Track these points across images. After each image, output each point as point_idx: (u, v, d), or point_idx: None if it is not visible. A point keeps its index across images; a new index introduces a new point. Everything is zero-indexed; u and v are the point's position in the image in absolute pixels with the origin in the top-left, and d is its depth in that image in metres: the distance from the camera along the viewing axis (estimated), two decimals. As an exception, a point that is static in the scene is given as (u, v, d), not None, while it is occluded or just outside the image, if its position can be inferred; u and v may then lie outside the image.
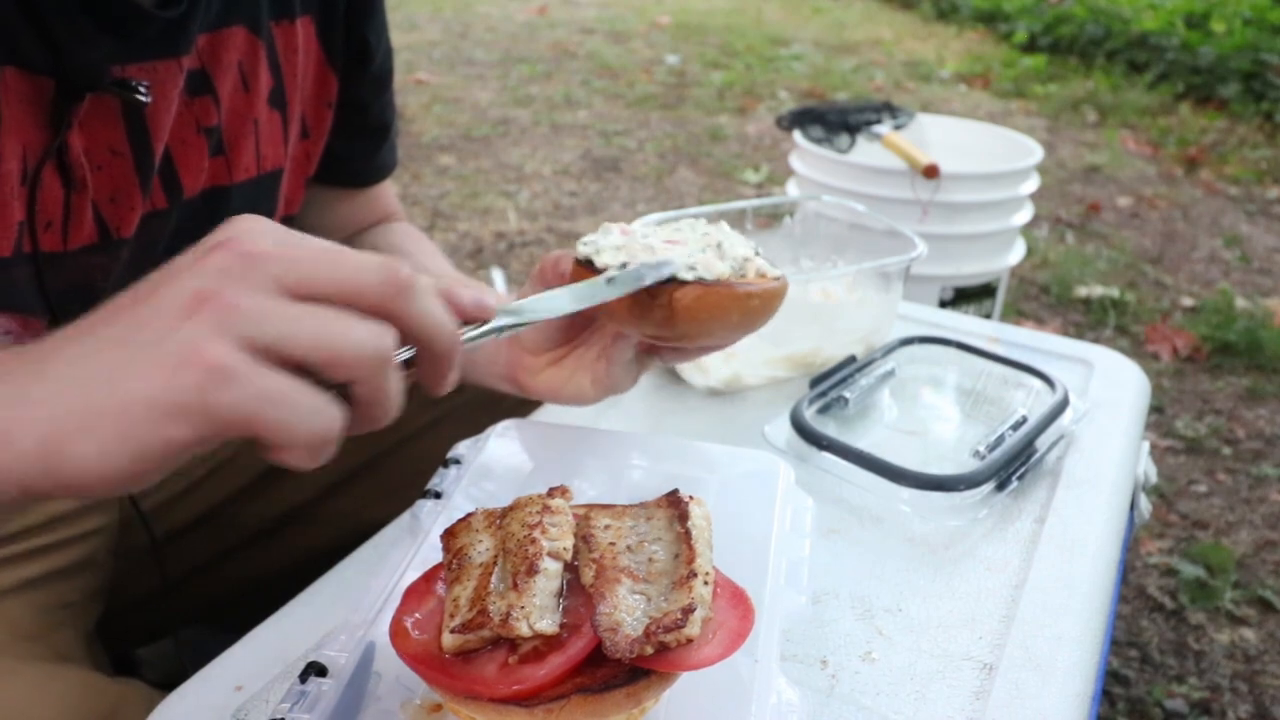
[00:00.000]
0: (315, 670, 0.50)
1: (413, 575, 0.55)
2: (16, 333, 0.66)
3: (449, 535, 0.54)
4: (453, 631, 0.47)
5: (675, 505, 0.53)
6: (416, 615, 0.51)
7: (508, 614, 0.46)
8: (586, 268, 0.60)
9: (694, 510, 0.53)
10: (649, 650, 0.46)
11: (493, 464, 0.68)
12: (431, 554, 0.56)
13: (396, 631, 0.50)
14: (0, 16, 0.57)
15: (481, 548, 0.51)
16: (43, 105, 0.60)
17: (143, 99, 0.63)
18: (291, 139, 0.79)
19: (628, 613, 0.47)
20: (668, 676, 0.48)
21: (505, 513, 0.53)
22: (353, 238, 0.92)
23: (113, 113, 0.64)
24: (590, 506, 0.55)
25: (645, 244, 0.61)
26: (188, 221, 0.72)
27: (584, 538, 0.52)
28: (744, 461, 0.68)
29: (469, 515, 0.54)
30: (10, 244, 0.61)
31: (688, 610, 0.46)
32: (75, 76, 0.60)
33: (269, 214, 0.79)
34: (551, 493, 0.54)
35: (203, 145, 0.71)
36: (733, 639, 0.48)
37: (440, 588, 0.52)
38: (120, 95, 0.62)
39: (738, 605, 0.51)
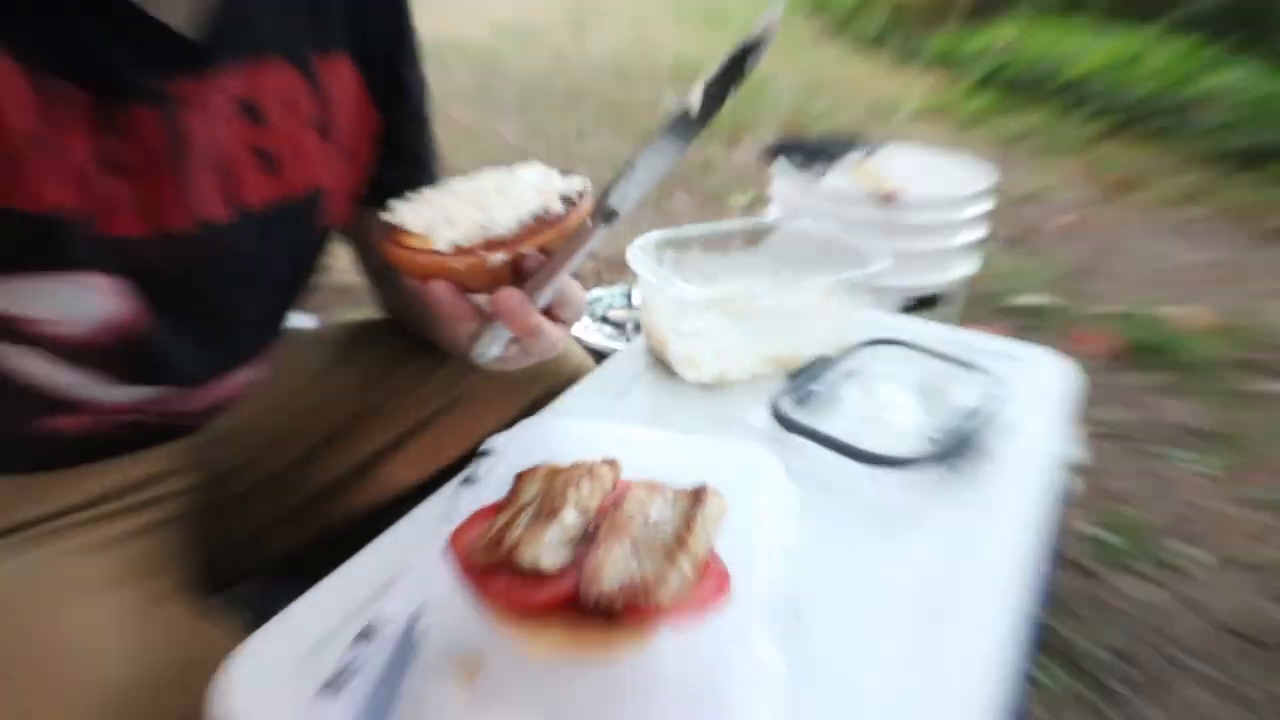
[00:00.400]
0: (373, 622, 0.52)
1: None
2: (111, 294, 0.64)
3: (519, 477, 0.57)
4: (483, 549, 0.51)
5: (697, 495, 0.55)
6: (473, 534, 0.54)
7: (518, 544, 0.49)
8: (408, 234, 0.63)
9: (710, 502, 0.54)
10: (617, 606, 0.47)
11: (516, 458, 0.69)
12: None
13: (456, 542, 0.54)
14: (42, 28, 0.55)
15: (533, 490, 0.54)
16: (87, 113, 0.58)
17: (182, 112, 0.61)
18: (336, 161, 0.77)
19: (612, 566, 0.49)
20: (641, 632, 0.48)
21: (562, 470, 0.56)
22: None
23: (155, 124, 0.61)
24: (638, 481, 0.57)
25: (453, 196, 0.65)
26: (245, 233, 0.70)
27: (616, 503, 0.54)
28: (736, 453, 0.70)
29: (537, 466, 0.58)
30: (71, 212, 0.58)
31: (661, 577, 0.48)
32: (117, 89, 0.58)
33: (318, 227, 0.78)
34: (602, 462, 0.57)
35: (251, 161, 0.68)
36: (705, 605, 0.50)
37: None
38: (161, 108, 0.60)
39: (715, 578, 0.52)
